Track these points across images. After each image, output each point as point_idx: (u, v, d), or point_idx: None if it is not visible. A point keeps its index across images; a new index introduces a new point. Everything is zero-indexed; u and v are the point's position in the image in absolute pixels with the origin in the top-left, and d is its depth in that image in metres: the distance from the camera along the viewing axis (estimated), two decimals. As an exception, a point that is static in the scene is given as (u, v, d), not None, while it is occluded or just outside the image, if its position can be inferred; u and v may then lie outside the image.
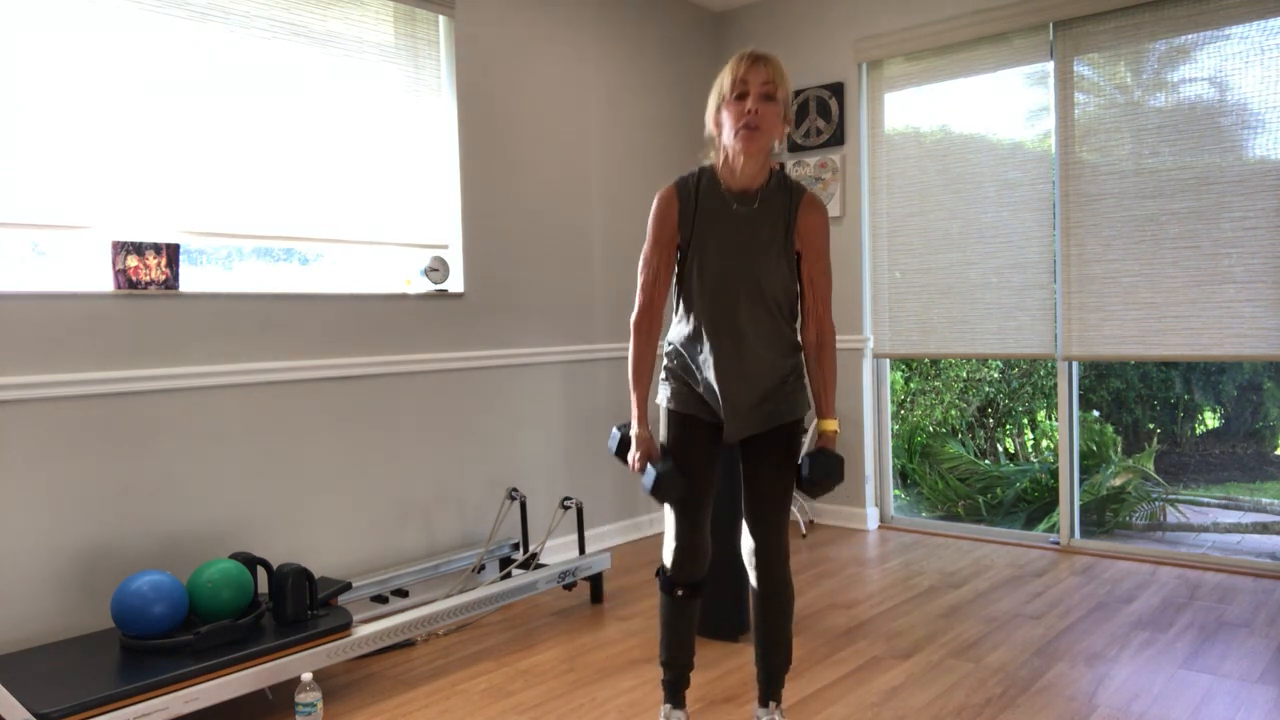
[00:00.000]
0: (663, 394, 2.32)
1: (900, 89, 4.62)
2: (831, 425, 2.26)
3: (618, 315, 4.59)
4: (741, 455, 2.31)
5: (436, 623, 3.00)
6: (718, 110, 2.16)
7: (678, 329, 2.29)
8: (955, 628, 3.22)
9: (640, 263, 2.27)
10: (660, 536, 4.69)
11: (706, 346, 2.20)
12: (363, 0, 3.51)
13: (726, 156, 2.18)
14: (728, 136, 2.13)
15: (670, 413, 2.29)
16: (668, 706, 2.37)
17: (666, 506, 2.31)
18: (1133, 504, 4.90)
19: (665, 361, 2.33)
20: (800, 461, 2.25)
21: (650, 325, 2.25)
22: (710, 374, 2.21)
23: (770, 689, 2.36)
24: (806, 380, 2.30)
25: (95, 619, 2.79)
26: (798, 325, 2.29)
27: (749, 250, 2.16)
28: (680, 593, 2.31)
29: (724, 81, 2.13)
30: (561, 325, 4.30)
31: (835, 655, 3.00)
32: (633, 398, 2.26)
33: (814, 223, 2.20)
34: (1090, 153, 4.06)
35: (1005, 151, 4.31)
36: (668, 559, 2.32)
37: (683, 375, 2.28)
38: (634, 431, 2.26)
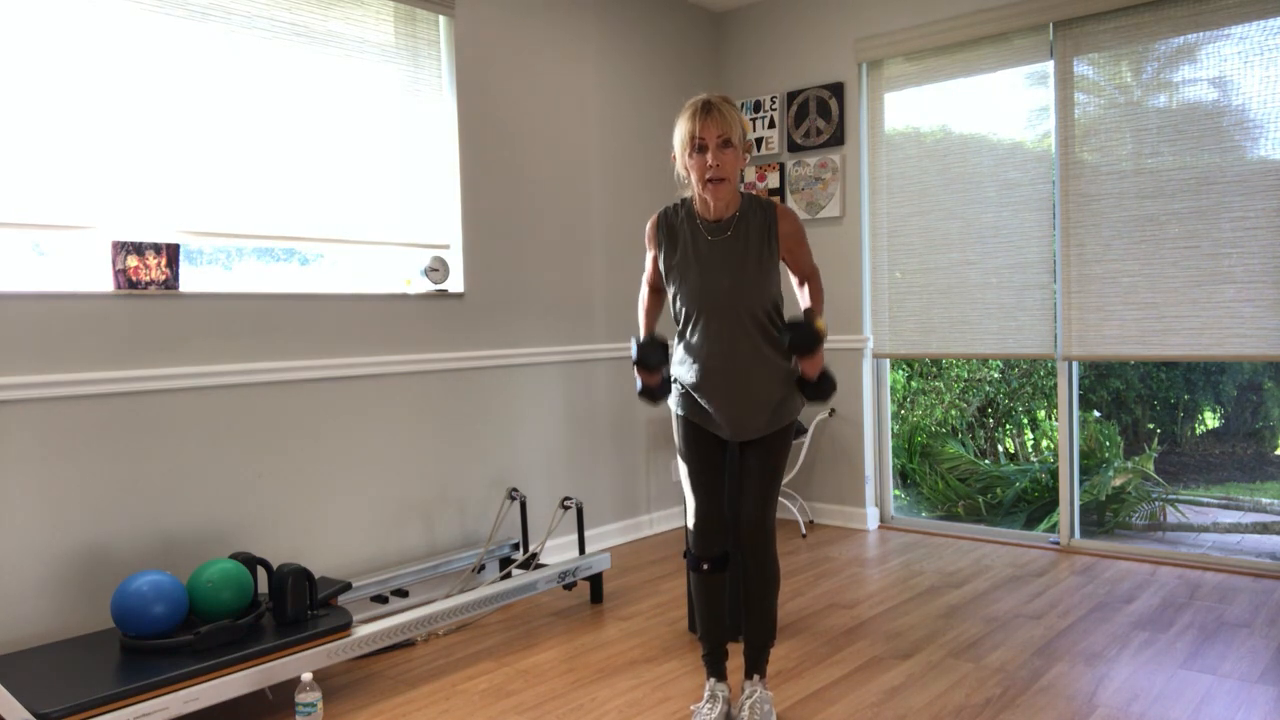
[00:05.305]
0: (673, 400, 2.54)
1: (900, 89, 4.61)
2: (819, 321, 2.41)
3: (618, 315, 4.59)
4: (739, 445, 2.54)
5: (436, 623, 3.00)
6: (684, 155, 2.35)
7: (678, 348, 2.49)
8: (955, 628, 3.22)
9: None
10: (661, 535, 4.70)
11: (700, 368, 2.41)
12: (363, 0, 3.51)
13: (699, 194, 2.38)
14: (696, 185, 2.35)
15: (679, 418, 2.52)
16: (712, 680, 2.52)
17: (686, 488, 2.50)
18: (1133, 504, 4.90)
19: (673, 371, 2.52)
20: (783, 329, 2.38)
21: (654, 288, 2.57)
22: (706, 394, 2.40)
23: (753, 662, 2.51)
24: (798, 386, 2.48)
25: (95, 619, 2.79)
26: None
27: (729, 274, 2.35)
28: (705, 567, 2.48)
29: (682, 134, 2.33)
30: (561, 325, 4.30)
31: (835, 655, 3.00)
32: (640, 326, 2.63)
33: (791, 229, 2.40)
34: (1090, 153, 4.06)
35: (1005, 151, 4.31)
36: (690, 535, 2.51)
37: (685, 387, 2.48)
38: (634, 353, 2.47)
